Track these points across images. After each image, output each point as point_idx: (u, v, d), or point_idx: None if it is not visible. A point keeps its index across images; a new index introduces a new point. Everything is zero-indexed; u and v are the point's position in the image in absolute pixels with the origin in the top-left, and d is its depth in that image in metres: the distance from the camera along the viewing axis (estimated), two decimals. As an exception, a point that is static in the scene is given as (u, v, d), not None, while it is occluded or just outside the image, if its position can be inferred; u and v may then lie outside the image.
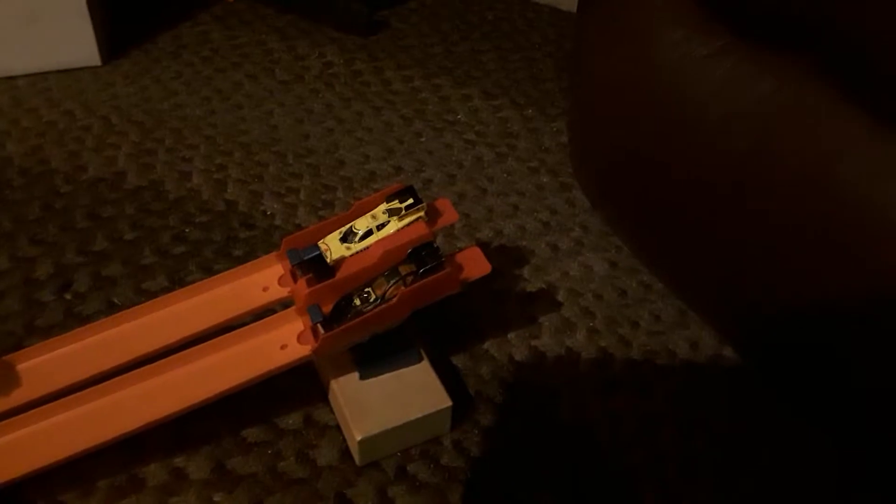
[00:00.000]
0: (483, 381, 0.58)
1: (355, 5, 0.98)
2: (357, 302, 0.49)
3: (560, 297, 0.65)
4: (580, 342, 0.61)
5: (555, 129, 0.84)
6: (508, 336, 0.61)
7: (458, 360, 0.59)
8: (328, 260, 0.51)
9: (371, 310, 0.48)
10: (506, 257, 0.69)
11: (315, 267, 0.49)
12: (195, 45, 0.94)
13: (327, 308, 0.49)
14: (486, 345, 0.61)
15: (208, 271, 0.64)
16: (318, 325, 0.48)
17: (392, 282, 0.49)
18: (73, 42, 0.86)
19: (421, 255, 0.49)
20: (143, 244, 0.67)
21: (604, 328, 0.63)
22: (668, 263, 0.64)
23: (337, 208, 0.72)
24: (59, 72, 0.87)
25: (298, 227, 0.70)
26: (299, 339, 0.49)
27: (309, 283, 0.49)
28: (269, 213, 0.71)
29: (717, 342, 0.62)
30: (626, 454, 0.54)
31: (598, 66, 0.56)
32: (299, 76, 0.90)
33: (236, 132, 0.80)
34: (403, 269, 0.50)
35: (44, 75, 0.86)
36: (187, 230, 0.68)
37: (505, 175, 0.78)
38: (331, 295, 0.50)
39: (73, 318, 0.60)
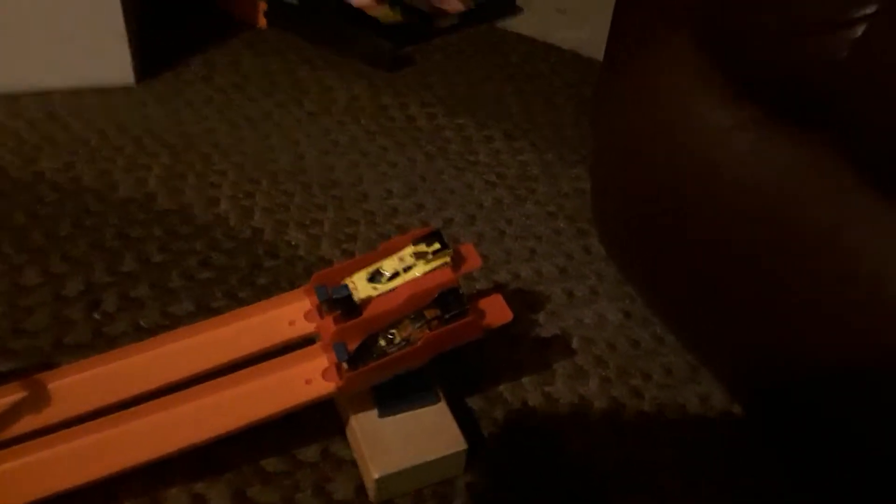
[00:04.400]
0: (496, 424, 0.59)
1: (381, 42, 1.01)
2: (382, 342, 0.51)
3: (574, 345, 0.67)
4: (592, 391, 0.63)
5: (573, 175, 0.87)
6: (522, 381, 0.63)
7: (473, 402, 0.61)
8: (355, 298, 0.53)
9: (396, 352, 0.50)
10: (522, 301, 0.71)
11: (343, 305, 0.51)
12: (226, 70, 0.96)
13: (352, 346, 0.51)
14: (501, 388, 0.62)
15: (233, 298, 0.66)
16: (343, 363, 0.50)
17: (417, 325, 0.51)
18: (108, 61, 0.88)
19: (446, 301, 0.51)
20: (171, 268, 0.68)
21: (616, 378, 0.64)
22: (681, 318, 0.66)
23: (359, 242, 0.74)
24: (93, 89, 0.89)
25: (321, 259, 0.71)
26: (324, 375, 0.50)
27: (336, 321, 0.51)
28: (293, 243, 0.73)
29: (727, 399, 0.63)
30: (634, 502, 0.55)
31: (625, 123, 0.58)
32: (326, 108, 0.92)
33: (265, 160, 0.82)
34: (429, 314, 0.51)
35: (79, 92, 0.88)
36: (213, 256, 0.70)
37: (523, 218, 0.80)
38: (357, 333, 0.51)
39: (101, 338, 0.61)
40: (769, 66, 0.45)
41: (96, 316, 0.63)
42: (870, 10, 0.43)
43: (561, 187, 0.85)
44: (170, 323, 0.63)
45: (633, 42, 0.62)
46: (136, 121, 0.85)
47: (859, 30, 0.43)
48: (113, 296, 0.65)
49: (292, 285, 0.68)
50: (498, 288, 0.71)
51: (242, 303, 0.66)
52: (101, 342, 0.61)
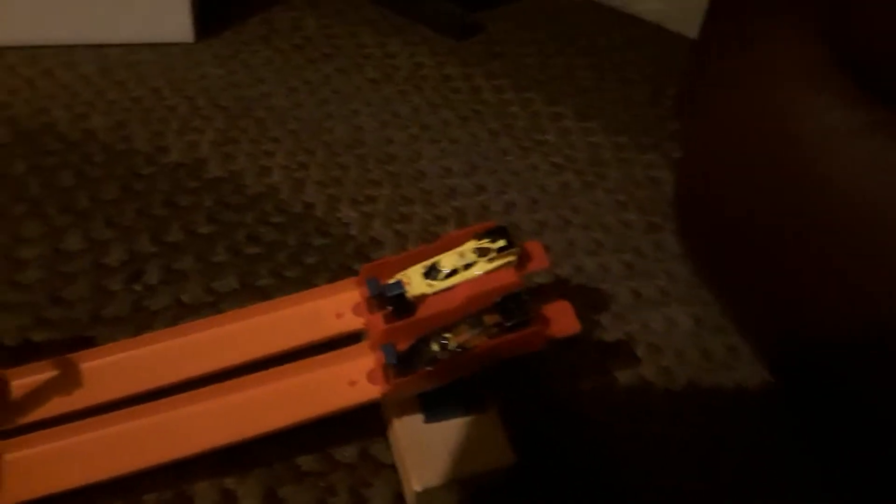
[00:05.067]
0: (548, 436, 0.55)
1: (449, 6, 0.95)
2: (434, 347, 0.47)
3: (639, 352, 0.61)
4: (656, 405, 0.58)
5: (647, 161, 0.80)
6: (581, 389, 0.58)
7: (524, 410, 0.56)
8: (408, 295, 0.48)
9: (449, 359, 0.45)
10: (585, 299, 0.65)
11: (396, 303, 0.47)
12: (287, 30, 0.92)
13: (402, 347, 0.47)
14: (556, 397, 0.57)
15: (279, 277, 0.63)
16: (391, 367, 0.46)
17: (475, 331, 0.46)
18: (168, 16, 0.85)
19: (509, 307, 0.46)
20: (218, 240, 0.65)
21: (682, 391, 0.59)
22: (761, 331, 0.60)
23: (414, 223, 0.70)
24: (150, 45, 0.86)
25: (373, 239, 0.67)
26: (370, 377, 0.47)
27: (386, 319, 0.47)
28: (345, 221, 0.69)
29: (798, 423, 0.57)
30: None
31: (727, 115, 0.51)
32: (388, 75, 0.87)
33: (320, 129, 0.78)
34: (488, 319, 0.47)
35: (135, 47, 0.85)
36: (262, 230, 0.67)
37: (591, 206, 0.74)
38: (408, 335, 0.47)
39: (141, 312, 0.59)
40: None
41: (137, 288, 0.60)
42: None
43: (633, 174, 0.78)
44: (213, 300, 0.60)
45: (740, 24, 0.55)
46: (191, 80, 0.82)
47: None
48: (156, 267, 0.62)
49: (341, 266, 0.64)
50: (560, 283, 0.66)
51: (288, 282, 0.62)
52: (141, 316, 0.58)
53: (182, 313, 0.59)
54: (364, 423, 0.53)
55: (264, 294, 0.61)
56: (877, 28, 0.40)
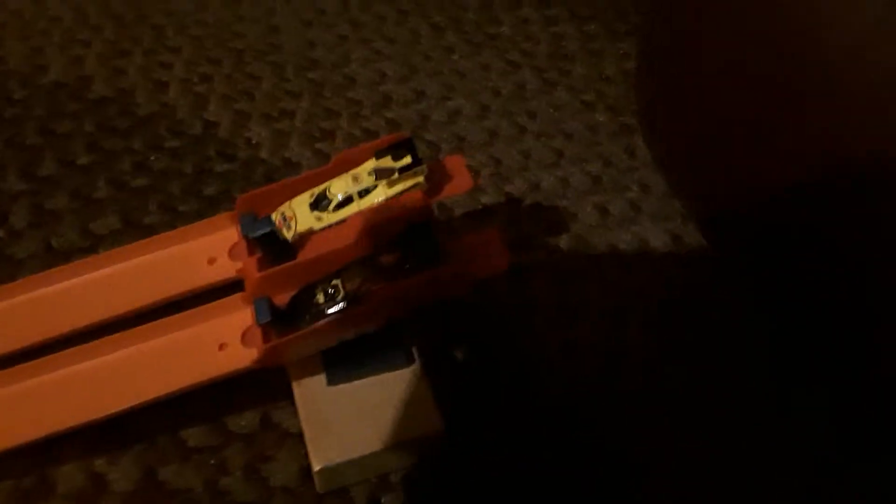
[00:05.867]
0: (493, 387, 0.46)
1: None
2: (320, 297, 0.37)
3: (608, 278, 0.51)
4: (627, 343, 0.48)
5: (621, 51, 0.68)
6: (534, 328, 0.48)
7: (460, 356, 0.47)
8: (292, 232, 0.38)
9: (335, 314, 0.35)
10: (540, 220, 0.55)
11: (267, 245, 0.37)
12: (197, -81, 0.78)
13: (283, 300, 0.37)
14: (501, 338, 0.48)
15: (171, 212, 0.53)
16: (266, 326, 0.36)
17: (369, 275, 0.36)
18: None
19: (412, 242, 0.36)
20: (99, 172, 0.55)
21: (657, 322, 0.49)
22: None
23: (338, 140, 0.59)
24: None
25: (287, 162, 0.57)
26: (244, 339, 0.37)
27: (259, 266, 0.37)
28: (254, 141, 0.58)
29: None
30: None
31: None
32: (316, -35, 0.74)
33: (229, 34, 0.66)
34: (386, 259, 0.36)
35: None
36: (153, 157, 0.56)
37: (551, 110, 0.63)
38: (288, 282, 0.37)
39: (2, 261, 0.49)
40: None
41: (0, 234, 0.51)
42: None
43: (603, 68, 0.66)
44: (89, 243, 0.50)
45: None
46: (80, -16, 0.69)
47: None
48: (24, 208, 0.52)
49: (247, 197, 0.54)
50: (513, 203, 0.56)
51: (181, 217, 0.52)
52: (2, 265, 0.49)
53: (52, 261, 0.49)
54: (266, 385, 0.44)
55: (151, 233, 0.51)
56: None
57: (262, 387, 0.44)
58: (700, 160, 0.43)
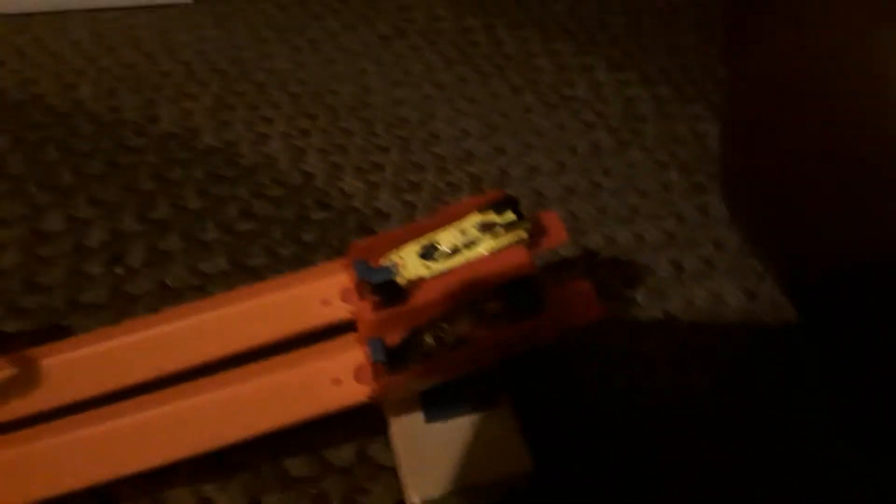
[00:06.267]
0: (574, 434, 0.48)
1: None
2: (429, 340, 0.40)
3: (682, 333, 0.53)
4: (701, 398, 0.50)
5: (692, 114, 0.71)
6: (611, 380, 0.51)
7: (545, 401, 0.49)
8: (402, 278, 0.42)
9: (445, 354, 0.39)
10: (617, 273, 0.58)
11: (384, 291, 0.40)
12: (292, -15, 0.84)
13: (394, 340, 0.40)
14: (583, 388, 0.50)
15: (273, 256, 0.57)
16: (379, 364, 0.39)
17: (474, 321, 0.39)
18: (163, -25, 0.79)
19: (516, 292, 0.39)
20: (207, 216, 0.59)
21: (730, 381, 0.51)
22: (817, 303, 0.51)
23: (424, 192, 0.63)
24: (147, 8, 0.80)
25: (378, 212, 0.61)
26: (356, 375, 0.40)
27: (374, 308, 0.40)
28: (347, 191, 0.62)
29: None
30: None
31: (774, 55, 0.42)
32: (401, 30, 0.79)
33: (324, 92, 0.71)
34: (491, 307, 0.40)
35: (131, 11, 0.79)
36: (256, 204, 0.61)
37: (626, 168, 0.66)
38: (400, 324, 0.40)
39: (120, 297, 0.54)
40: None
41: (118, 271, 0.55)
42: None
43: (675, 130, 0.69)
44: (200, 282, 0.55)
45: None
46: (188, 44, 0.76)
47: None
48: (139, 248, 0.57)
49: (342, 242, 0.58)
50: (589, 256, 0.58)
51: (283, 261, 0.56)
52: (121, 302, 0.53)
53: (165, 297, 0.54)
54: (363, 419, 0.47)
55: (256, 274, 0.55)
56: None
57: (359, 422, 0.47)
58: (783, 223, 0.45)
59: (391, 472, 0.45)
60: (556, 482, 0.46)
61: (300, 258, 0.57)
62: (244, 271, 0.55)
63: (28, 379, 0.42)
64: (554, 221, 0.44)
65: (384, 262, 0.43)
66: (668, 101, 0.72)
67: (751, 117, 0.44)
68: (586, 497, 0.45)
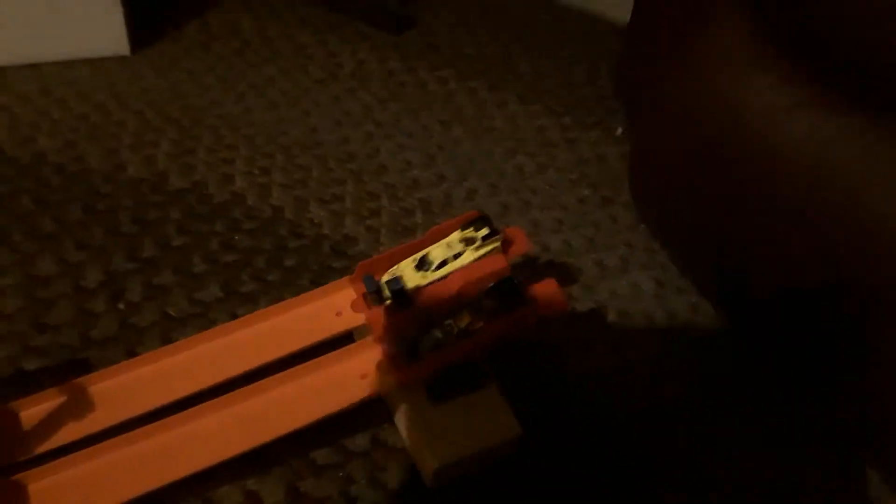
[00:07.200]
0: (542, 403, 0.59)
1: (384, 1, 0.97)
2: (438, 333, 0.49)
3: (610, 318, 0.66)
4: (632, 363, 0.62)
5: (592, 139, 0.85)
6: (564, 358, 0.62)
7: (517, 382, 0.60)
8: (406, 287, 0.51)
9: (457, 343, 0.48)
10: (553, 274, 0.69)
11: (397, 297, 0.49)
12: (224, 34, 0.91)
13: (409, 336, 0.49)
14: (542, 367, 0.61)
15: (262, 281, 0.64)
16: (401, 356, 0.48)
17: (476, 316, 0.49)
18: (102, 29, 0.83)
19: (503, 290, 0.50)
20: (193, 251, 0.65)
21: (655, 350, 0.64)
22: (717, 287, 0.65)
23: (384, 217, 0.72)
24: (86, 60, 0.84)
25: (347, 237, 0.69)
26: (380, 369, 0.49)
27: (389, 312, 0.49)
28: (316, 221, 0.70)
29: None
30: (677, 481, 0.56)
31: (673, 96, 0.56)
32: (333, 74, 0.88)
33: (276, 133, 0.79)
34: (486, 304, 0.50)
35: (70, 63, 0.83)
36: (236, 237, 0.67)
37: (547, 187, 0.78)
38: (411, 325, 0.50)
39: (129, 330, 0.59)
40: (857, 50, 0.43)
41: (121, 306, 0.60)
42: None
43: (581, 153, 0.83)
44: (200, 310, 0.61)
45: (676, 8, 0.59)
46: (135, 93, 0.81)
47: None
48: (136, 284, 0.62)
49: (321, 266, 0.66)
50: (529, 263, 0.70)
51: (272, 286, 0.63)
52: (129, 333, 0.58)
53: (171, 327, 0.59)
54: (370, 412, 0.55)
55: (250, 299, 0.62)
56: (811, 8, 0.45)
57: (369, 414, 0.55)
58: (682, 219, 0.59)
59: (402, 451, 0.54)
60: (537, 445, 0.56)
61: (286, 282, 0.64)
62: (238, 297, 0.62)
63: (85, 403, 0.48)
64: (519, 234, 0.54)
65: (386, 276, 0.52)
66: (571, 128, 0.86)
67: (653, 147, 0.58)
68: (562, 454, 0.55)
